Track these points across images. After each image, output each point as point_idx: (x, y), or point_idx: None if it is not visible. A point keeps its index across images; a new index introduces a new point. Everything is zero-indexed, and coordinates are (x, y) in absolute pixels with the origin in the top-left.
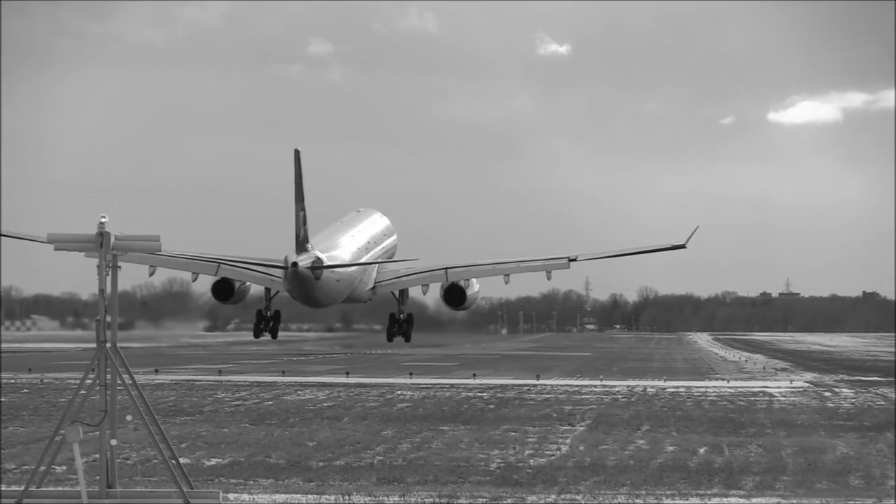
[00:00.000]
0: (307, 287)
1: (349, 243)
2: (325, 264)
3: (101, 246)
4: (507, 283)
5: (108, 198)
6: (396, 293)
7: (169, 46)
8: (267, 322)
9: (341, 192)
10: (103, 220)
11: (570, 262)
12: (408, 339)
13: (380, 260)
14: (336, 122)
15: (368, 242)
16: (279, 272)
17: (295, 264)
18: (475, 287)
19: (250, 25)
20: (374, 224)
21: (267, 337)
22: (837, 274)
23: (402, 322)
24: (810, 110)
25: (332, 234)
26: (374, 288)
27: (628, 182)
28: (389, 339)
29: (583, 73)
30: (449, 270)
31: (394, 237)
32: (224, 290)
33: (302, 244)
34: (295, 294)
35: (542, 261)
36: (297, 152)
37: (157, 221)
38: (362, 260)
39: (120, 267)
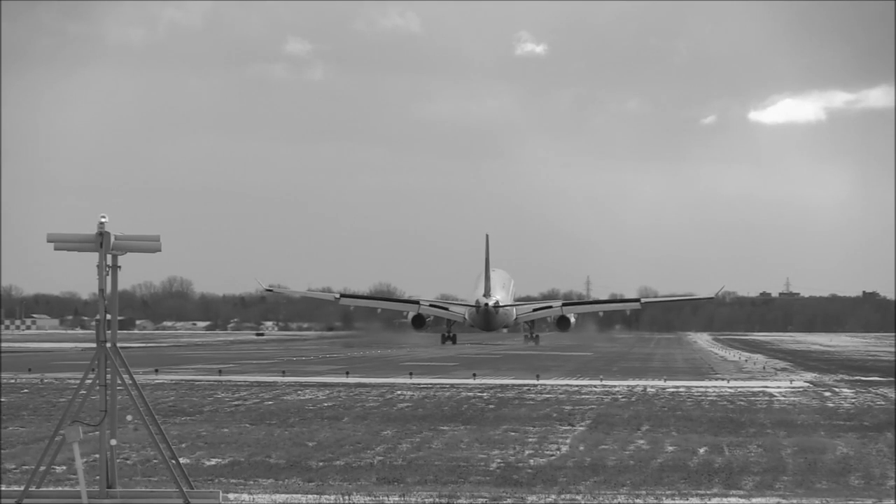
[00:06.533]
0: (490, 318)
1: (503, 291)
2: (500, 304)
3: (101, 246)
4: (601, 316)
5: (109, 198)
6: (529, 322)
7: (151, 46)
8: (448, 339)
9: (334, 192)
10: (103, 220)
11: (640, 303)
12: (536, 343)
13: (520, 303)
14: (322, 123)
15: (508, 290)
16: (460, 309)
17: (486, 304)
18: (574, 318)
19: (231, 25)
20: (507, 278)
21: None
22: (837, 274)
23: (533, 338)
24: (792, 109)
25: (495, 288)
26: (516, 318)
27: (613, 181)
28: (526, 342)
29: (564, 72)
30: (563, 307)
31: (513, 281)
32: (419, 320)
33: (487, 292)
34: (479, 322)
35: (621, 302)
36: (486, 237)
37: (157, 221)
38: (508, 302)
39: (120, 267)
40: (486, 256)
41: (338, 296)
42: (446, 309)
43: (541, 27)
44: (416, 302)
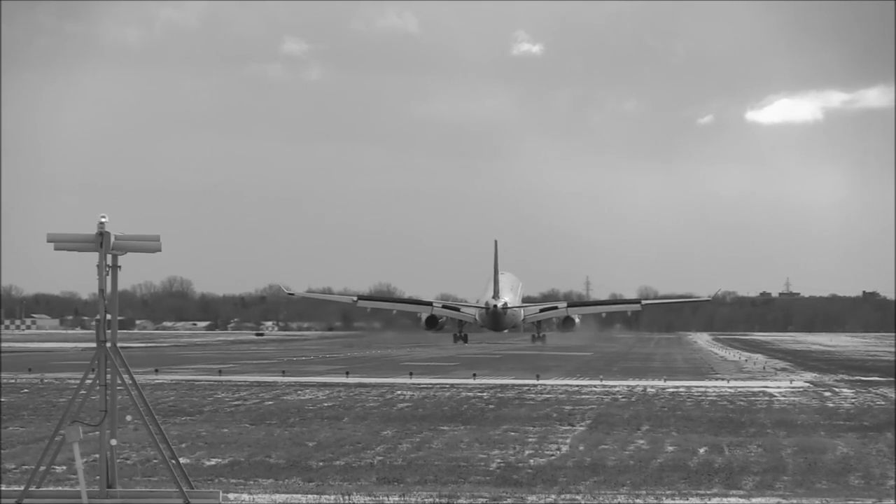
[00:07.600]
0: (499, 318)
1: (511, 293)
2: (509, 306)
3: (101, 246)
4: (603, 316)
5: (109, 198)
6: (536, 322)
7: (148, 46)
8: (460, 338)
9: (330, 193)
10: (103, 220)
11: (641, 304)
12: (543, 342)
13: (528, 305)
14: (319, 123)
15: (517, 292)
16: (470, 310)
17: (495, 306)
18: (579, 318)
19: (228, 25)
20: (515, 281)
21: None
22: (837, 274)
23: (540, 337)
24: (789, 109)
25: (504, 290)
26: (524, 319)
27: (611, 181)
28: (533, 341)
29: (561, 72)
30: (568, 309)
31: (520, 284)
32: (432, 321)
33: (496, 294)
34: (488, 322)
35: (622, 303)
36: (496, 242)
37: (157, 221)
38: (516, 303)
39: (120, 267)
40: (494, 260)
41: (355, 298)
42: (458, 310)
43: (538, 27)
44: (430, 303)
